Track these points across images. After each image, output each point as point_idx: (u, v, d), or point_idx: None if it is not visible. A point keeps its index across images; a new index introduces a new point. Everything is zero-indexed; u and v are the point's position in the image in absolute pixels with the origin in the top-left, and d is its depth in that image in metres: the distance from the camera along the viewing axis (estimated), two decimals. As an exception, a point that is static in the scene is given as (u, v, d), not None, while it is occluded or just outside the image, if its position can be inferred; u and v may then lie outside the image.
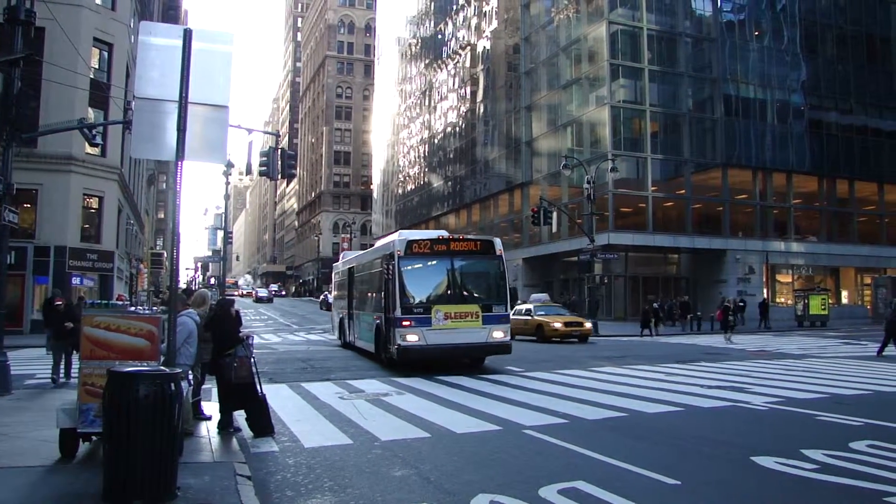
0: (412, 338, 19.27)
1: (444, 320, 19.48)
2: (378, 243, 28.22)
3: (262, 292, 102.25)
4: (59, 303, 19.05)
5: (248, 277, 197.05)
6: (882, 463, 8.79)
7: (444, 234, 22.80)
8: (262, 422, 11.04)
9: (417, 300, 19.96)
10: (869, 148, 59.79)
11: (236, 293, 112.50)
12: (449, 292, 20.35)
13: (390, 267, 19.83)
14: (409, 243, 20.23)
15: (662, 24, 55.32)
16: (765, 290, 52.92)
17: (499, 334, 20.15)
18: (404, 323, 19.35)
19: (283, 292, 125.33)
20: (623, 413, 12.79)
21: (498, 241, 21.42)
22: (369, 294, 24.65)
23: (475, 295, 20.73)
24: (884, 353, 24.09)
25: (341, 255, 33.60)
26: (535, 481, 8.12)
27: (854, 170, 59.03)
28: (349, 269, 28.61)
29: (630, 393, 14.94)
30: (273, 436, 10.90)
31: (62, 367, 17.58)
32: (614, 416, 12.47)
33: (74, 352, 14.88)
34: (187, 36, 8.93)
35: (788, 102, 57.50)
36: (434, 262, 20.58)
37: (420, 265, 20.57)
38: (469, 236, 22.72)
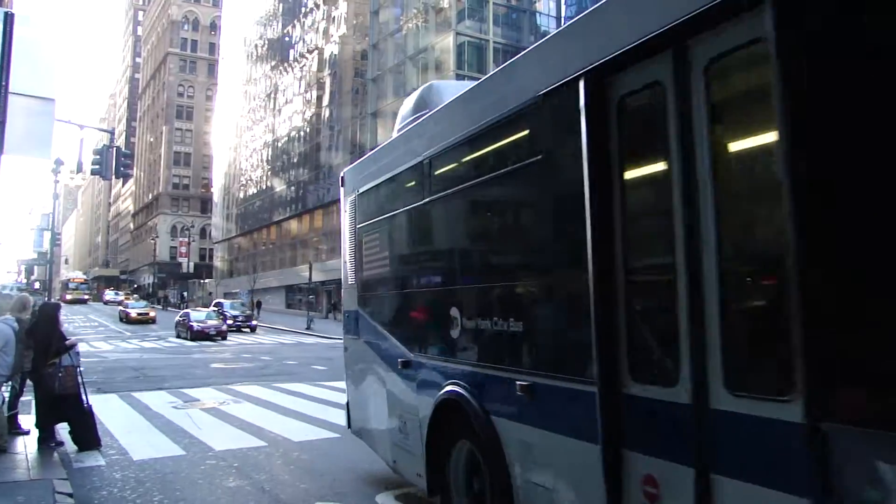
0: None
1: None
2: None
3: (229, 312, 50.96)
4: None
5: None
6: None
7: None
8: (88, 435, 10.50)
9: None
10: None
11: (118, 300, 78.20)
12: None
13: None
14: None
15: (509, 38, 56.78)
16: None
17: None
18: None
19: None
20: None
21: None
22: None
23: None
24: None
25: (401, 116, 8.62)
26: (372, 488, 8.23)
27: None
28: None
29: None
30: (99, 449, 10.43)
31: None
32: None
33: None
34: (8, 20, 8.31)
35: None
36: None
37: None
38: None
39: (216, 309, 50.47)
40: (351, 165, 10.01)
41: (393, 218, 7.78)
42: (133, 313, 58.78)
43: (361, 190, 8.83)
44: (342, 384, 18.17)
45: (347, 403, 9.21)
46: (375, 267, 8.41)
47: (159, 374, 21.47)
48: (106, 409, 13.72)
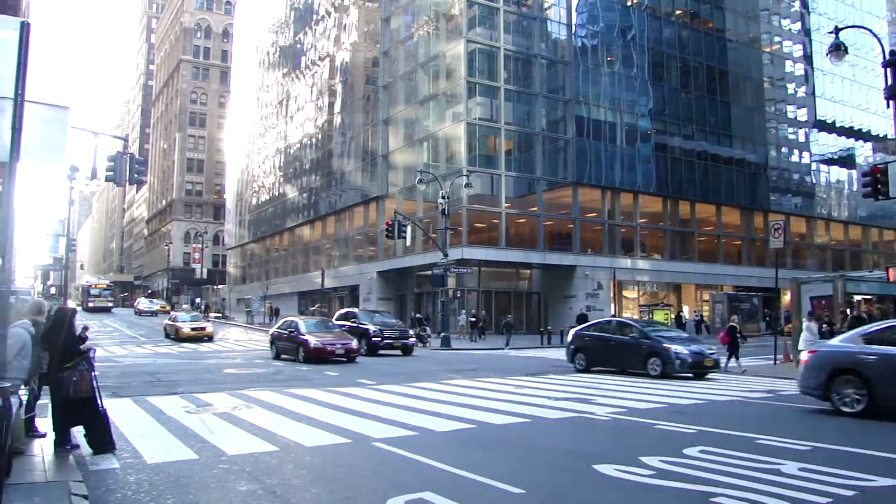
0: None
1: None
2: None
3: (369, 326, 34.24)
4: None
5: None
6: (711, 467, 9.27)
7: None
8: (103, 438, 10.51)
9: None
10: (708, 172, 63.37)
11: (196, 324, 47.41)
12: None
13: None
14: None
15: (519, 45, 56.73)
16: (612, 306, 54.76)
17: None
18: None
19: None
20: (472, 424, 12.95)
21: None
22: None
23: None
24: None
25: None
26: (382, 493, 8.12)
27: (695, 192, 62.38)
28: None
29: (479, 405, 15.17)
30: (114, 452, 10.41)
31: None
32: (463, 428, 12.61)
33: None
34: (24, 29, 8.45)
35: (636, 126, 60.19)
36: None
37: None
38: None
39: (352, 323, 35.08)
40: None
41: None
42: (186, 329, 45.04)
43: None
44: (354, 390, 18.32)
45: None
46: None
47: (173, 380, 21.46)
48: (121, 413, 13.77)
